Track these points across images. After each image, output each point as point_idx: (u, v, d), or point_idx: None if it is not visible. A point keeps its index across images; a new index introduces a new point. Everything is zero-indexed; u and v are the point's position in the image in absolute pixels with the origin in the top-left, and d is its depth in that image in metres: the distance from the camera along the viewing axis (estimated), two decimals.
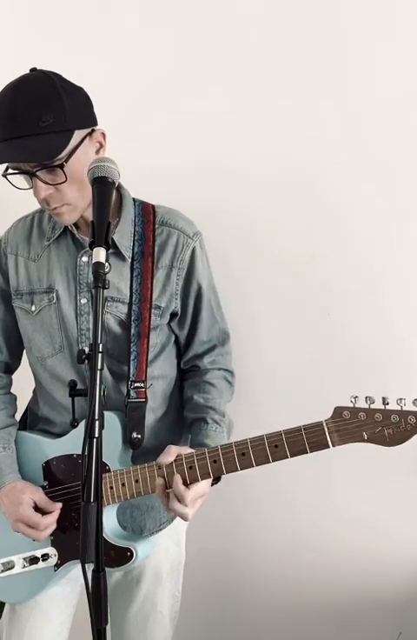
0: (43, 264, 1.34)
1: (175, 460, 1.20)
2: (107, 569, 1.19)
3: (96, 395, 0.91)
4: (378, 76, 1.63)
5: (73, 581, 1.38)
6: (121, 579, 1.42)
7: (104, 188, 1.04)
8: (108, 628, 1.01)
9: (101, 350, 0.95)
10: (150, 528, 1.37)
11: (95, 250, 0.98)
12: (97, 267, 0.97)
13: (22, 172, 1.18)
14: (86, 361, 0.97)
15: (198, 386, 1.38)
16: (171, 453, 1.20)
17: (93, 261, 0.97)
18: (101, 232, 0.99)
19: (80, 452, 1.22)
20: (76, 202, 1.23)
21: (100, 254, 0.97)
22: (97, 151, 1.26)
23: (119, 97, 1.71)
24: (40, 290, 1.33)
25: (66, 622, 1.42)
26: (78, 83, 1.26)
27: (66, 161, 1.16)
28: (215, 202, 1.72)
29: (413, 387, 1.14)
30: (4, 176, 1.20)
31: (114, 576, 1.41)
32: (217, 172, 1.73)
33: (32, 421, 1.46)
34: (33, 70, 1.21)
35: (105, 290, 1.26)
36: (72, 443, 1.30)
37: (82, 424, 1.28)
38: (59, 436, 1.35)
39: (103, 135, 1.27)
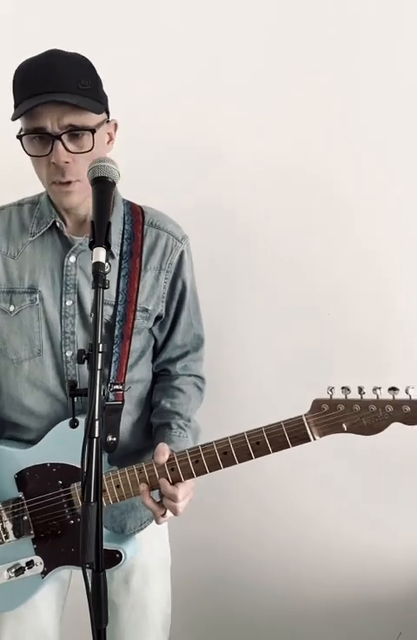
0: (24, 262, 1.27)
1: (154, 463, 1.18)
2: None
3: (96, 395, 0.90)
4: (379, 76, 1.64)
5: (62, 579, 1.37)
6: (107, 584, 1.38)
7: (104, 188, 1.03)
8: None
9: (101, 350, 0.94)
10: (131, 527, 1.36)
11: (95, 249, 0.96)
12: (97, 267, 0.95)
13: (43, 134, 1.13)
14: (86, 361, 0.95)
15: (167, 391, 1.37)
16: (165, 451, 1.18)
17: (93, 261, 0.95)
18: (101, 232, 0.97)
19: (53, 461, 1.23)
20: (88, 182, 1.14)
21: (100, 254, 0.96)
22: (108, 142, 1.25)
23: (118, 94, 1.72)
24: (20, 290, 1.27)
25: (57, 612, 1.40)
26: None
27: (96, 129, 1.15)
28: (213, 198, 1.73)
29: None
30: (19, 137, 1.16)
31: None
32: (215, 170, 1.74)
33: None
34: None
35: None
36: (44, 453, 1.26)
37: (50, 434, 1.25)
38: (29, 442, 1.30)
39: (116, 126, 1.26)
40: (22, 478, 1.27)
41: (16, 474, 1.28)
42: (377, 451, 1.68)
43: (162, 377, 1.41)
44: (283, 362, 1.78)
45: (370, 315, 1.73)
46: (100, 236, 0.98)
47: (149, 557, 1.39)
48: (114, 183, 1.04)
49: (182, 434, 1.29)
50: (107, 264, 0.97)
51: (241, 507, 1.87)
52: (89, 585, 0.93)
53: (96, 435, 0.90)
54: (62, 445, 1.23)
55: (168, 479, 1.17)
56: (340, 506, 1.81)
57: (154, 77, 1.73)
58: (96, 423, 0.90)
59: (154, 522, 1.34)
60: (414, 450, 1.68)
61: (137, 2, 1.73)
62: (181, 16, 1.72)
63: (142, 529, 1.38)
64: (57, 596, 1.39)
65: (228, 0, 1.70)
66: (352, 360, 1.73)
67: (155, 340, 1.39)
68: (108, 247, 0.98)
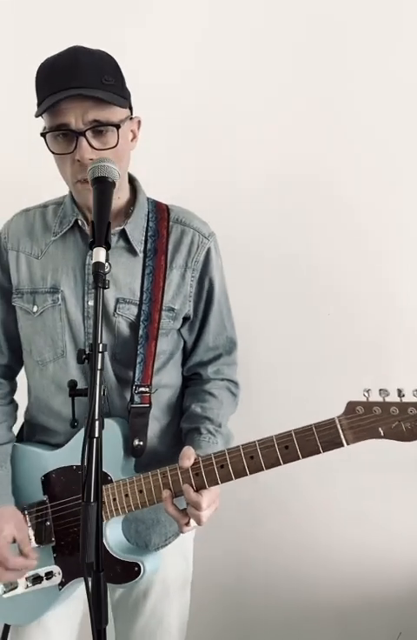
0: (47, 262, 1.25)
1: (179, 467, 1.13)
2: (113, 585, 1.14)
3: (96, 395, 0.90)
4: (380, 75, 1.65)
5: (77, 598, 1.30)
6: (126, 593, 1.34)
7: (104, 188, 1.03)
8: None
9: (101, 350, 0.92)
10: (156, 542, 1.31)
11: (95, 249, 0.96)
12: (97, 267, 0.94)
13: (67, 131, 1.09)
14: (86, 361, 0.94)
15: (198, 396, 1.31)
16: (190, 456, 1.12)
17: (93, 261, 0.95)
18: (101, 232, 0.97)
19: (79, 463, 1.13)
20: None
21: (100, 254, 0.95)
22: (131, 140, 1.22)
23: None
24: (43, 290, 1.25)
25: (71, 636, 1.36)
26: None
27: (120, 125, 1.13)
28: (214, 199, 1.73)
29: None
30: (43, 135, 1.12)
31: (118, 590, 1.33)
32: (214, 171, 1.73)
33: (29, 430, 1.38)
34: None
35: (117, 291, 1.21)
36: (71, 454, 1.22)
37: (78, 435, 1.22)
38: (58, 446, 1.28)
39: (139, 123, 1.23)
40: (48, 480, 1.24)
41: (43, 476, 1.25)
42: (377, 451, 1.68)
43: (193, 382, 1.36)
44: (283, 362, 1.78)
45: (370, 315, 1.73)
46: (100, 236, 0.97)
47: (171, 572, 1.34)
48: (114, 183, 1.04)
49: (211, 439, 1.23)
50: (107, 264, 0.96)
51: (241, 506, 1.86)
52: (90, 585, 0.93)
53: (96, 435, 0.90)
54: None
55: (191, 485, 1.11)
56: (340, 506, 1.81)
57: (154, 78, 1.73)
58: (96, 422, 0.90)
59: (179, 538, 1.32)
60: (415, 448, 1.68)
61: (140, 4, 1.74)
62: (180, 17, 1.72)
63: (166, 545, 1.32)
64: (71, 617, 1.33)
65: (229, 3, 1.71)
66: (352, 360, 1.73)
67: (185, 343, 1.34)
68: (108, 247, 0.97)
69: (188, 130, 1.72)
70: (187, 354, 1.35)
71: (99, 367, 0.92)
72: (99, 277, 0.94)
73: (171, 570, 1.34)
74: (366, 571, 1.85)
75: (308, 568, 1.88)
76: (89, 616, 0.93)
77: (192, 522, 1.14)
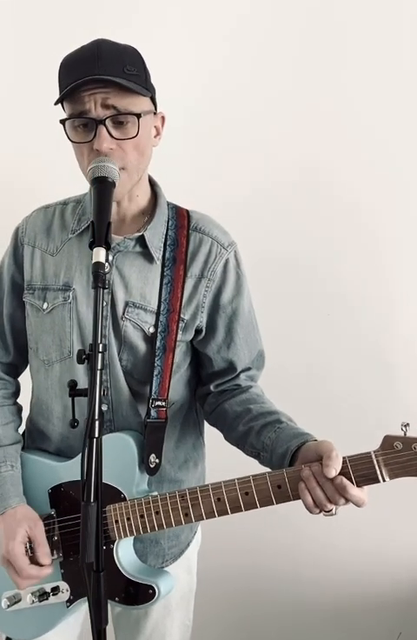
0: (61, 259, 1.22)
1: (200, 490, 1.07)
2: (125, 606, 1.12)
3: (96, 395, 0.89)
4: (383, 74, 1.66)
5: (79, 611, 1.26)
6: (127, 610, 1.30)
7: (104, 188, 1.03)
8: None
9: (101, 350, 0.92)
10: (151, 563, 1.26)
11: (95, 249, 0.95)
12: (97, 267, 0.93)
13: (86, 119, 1.07)
14: (86, 361, 0.92)
15: (250, 400, 1.23)
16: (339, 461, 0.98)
17: (93, 261, 0.94)
18: (101, 232, 0.96)
19: None
20: (133, 170, 1.12)
21: (100, 254, 0.95)
22: (155, 136, 1.18)
23: None
24: (55, 287, 1.21)
25: None
26: None
27: (141, 115, 1.09)
28: (213, 198, 1.73)
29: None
30: (63, 122, 1.10)
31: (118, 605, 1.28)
32: (215, 170, 1.74)
33: (28, 437, 1.34)
34: None
35: (127, 295, 1.18)
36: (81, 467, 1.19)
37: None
38: (54, 454, 1.25)
39: (163, 120, 1.20)
40: (56, 493, 1.19)
41: (51, 488, 1.20)
42: None
43: (229, 392, 1.27)
44: (282, 364, 1.78)
45: (370, 315, 1.73)
46: (100, 236, 0.96)
47: (174, 590, 1.26)
48: (114, 183, 1.04)
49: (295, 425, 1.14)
50: (106, 264, 0.96)
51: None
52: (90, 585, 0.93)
53: (96, 435, 0.90)
54: (104, 461, 1.14)
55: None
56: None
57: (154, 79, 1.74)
58: (96, 422, 0.90)
59: (182, 556, 1.29)
60: None
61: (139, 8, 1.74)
62: (179, 19, 1.73)
63: (162, 567, 1.28)
64: (71, 628, 1.29)
65: (227, 4, 1.71)
66: (351, 361, 1.73)
67: (202, 361, 1.29)
68: (108, 247, 0.97)
69: (186, 133, 1.72)
70: (217, 373, 1.28)
71: (99, 367, 0.91)
72: (99, 277, 0.93)
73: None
74: (366, 571, 1.85)
75: (308, 568, 1.89)
76: (89, 616, 0.93)
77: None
